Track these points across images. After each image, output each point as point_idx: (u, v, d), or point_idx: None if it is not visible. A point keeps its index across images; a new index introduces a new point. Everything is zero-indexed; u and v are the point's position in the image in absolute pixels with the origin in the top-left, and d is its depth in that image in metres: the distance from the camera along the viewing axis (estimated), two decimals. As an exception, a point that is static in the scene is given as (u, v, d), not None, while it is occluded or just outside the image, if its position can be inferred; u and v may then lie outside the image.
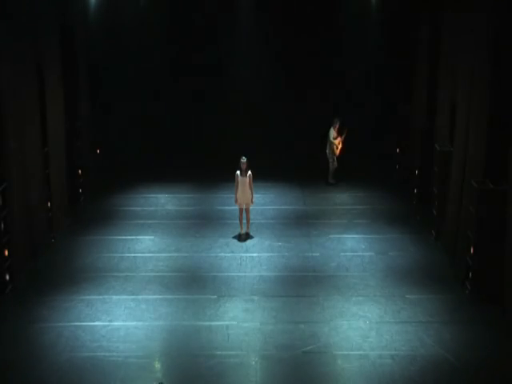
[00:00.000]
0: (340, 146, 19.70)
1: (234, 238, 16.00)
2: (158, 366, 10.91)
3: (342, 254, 15.09)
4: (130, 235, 16.17)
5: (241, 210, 16.03)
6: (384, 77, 21.30)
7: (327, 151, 19.73)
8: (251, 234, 16.14)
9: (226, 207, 18.08)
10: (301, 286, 13.57)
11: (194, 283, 13.66)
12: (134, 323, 12.06)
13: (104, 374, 10.51)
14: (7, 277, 12.99)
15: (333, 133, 19.60)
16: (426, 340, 11.45)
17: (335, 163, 19.80)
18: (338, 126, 19.51)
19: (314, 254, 15.07)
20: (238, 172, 15.81)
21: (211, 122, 21.87)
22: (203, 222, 17.09)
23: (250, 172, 15.82)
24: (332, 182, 19.75)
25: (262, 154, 21.27)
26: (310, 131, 21.74)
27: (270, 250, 15.33)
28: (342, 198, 18.92)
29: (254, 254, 15.09)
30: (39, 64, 15.02)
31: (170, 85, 21.70)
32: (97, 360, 10.87)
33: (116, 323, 12.04)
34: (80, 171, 18.24)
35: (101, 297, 13.04)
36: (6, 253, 12.94)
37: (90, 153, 19.52)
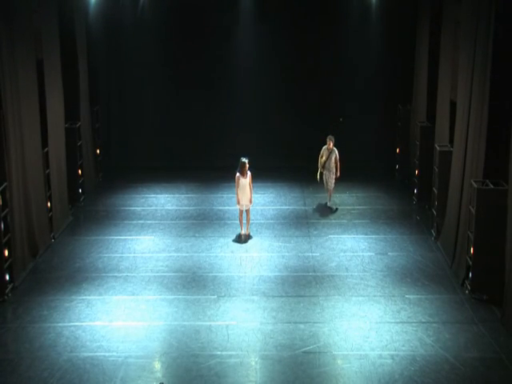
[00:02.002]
0: (321, 167, 17.86)
1: (234, 238, 16.01)
2: (157, 366, 10.91)
3: (342, 254, 15.10)
4: (130, 235, 16.18)
5: (241, 211, 16.03)
6: (384, 77, 21.30)
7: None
8: (251, 234, 16.14)
9: (226, 207, 18.10)
10: (301, 286, 13.57)
11: (193, 283, 13.66)
12: (134, 323, 12.06)
13: (104, 373, 10.51)
14: (7, 277, 12.99)
15: (324, 150, 17.81)
16: (425, 340, 11.46)
17: (328, 185, 17.92)
18: (331, 145, 17.64)
19: (313, 254, 15.08)
20: (238, 173, 15.80)
21: (211, 122, 21.85)
22: (203, 222, 17.10)
23: (249, 172, 15.81)
24: (329, 205, 18.04)
25: (262, 154, 21.30)
26: (311, 131, 21.73)
27: (269, 250, 15.33)
28: (342, 198, 18.92)
29: (254, 254, 15.10)
30: (39, 64, 15.02)
31: (170, 85, 21.67)
32: (97, 360, 10.87)
33: (116, 323, 12.04)
34: (80, 171, 18.26)
35: (101, 297, 13.04)
36: (6, 253, 12.94)
37: (91, 152, 19.53)
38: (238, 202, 15.95)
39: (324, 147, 17.88)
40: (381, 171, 21.18)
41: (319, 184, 18.24)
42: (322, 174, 17.99)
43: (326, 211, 17.86)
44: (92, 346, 11.27)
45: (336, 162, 17.77)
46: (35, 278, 13.91)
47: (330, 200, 18.11)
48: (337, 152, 17.77)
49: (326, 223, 16.99)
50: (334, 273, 14.12)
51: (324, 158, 17.83)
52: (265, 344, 11.36)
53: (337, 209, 17.89)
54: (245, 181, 15.74)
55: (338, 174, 17.84)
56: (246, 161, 15.73)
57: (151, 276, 13.99)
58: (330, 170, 17.80)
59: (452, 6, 15.96)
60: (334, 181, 17.86)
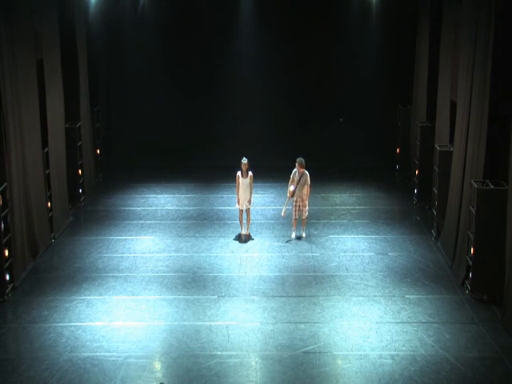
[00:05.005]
0: (290, 196, 15.89)
1: (235, 238, 16.01)
2: (158, 366, 10.91)
3: (342, 254, 15.10)
4: (130, 235, 16.18)
5: (241, 211, 16.04)
6: (384, 77, 21.31)
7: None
8: (251, 234, 16.14)
9: (226, 207, 18.10)
10: (301, 286, 13.57)
11: (194, 283, 13.66)
12: (134, 323, 12.06)
13: (104, 374, 10.51)
14: (7, 277, 12.98)
15: (294, 174, 15.85)
16: (425, 340, 11.45)
17: (303, 214, 15.97)
18: (301, 168, 15.71)
19: (314, 254, 15.08)
20: (239, 173, 15.80)
21: (212, 122, 21.86)
22: (203, 222, 17.10)
23: (250, 173, 15.81)
24: (304, 236, 16.05)
25: (263, 154, 21.31)
26: (311, 131, 21.75)
27: (270, 250, 15.33)
28: (342, 198, 18.93)
29: (255, 254, 15.10)
30: (39, 64, 15.02)
31: (170, 85, 21.67)
32: (97, 360, 10.87)
33: (116, 323, 12.04)
34: (80, 171, 18.26)
35: (101, 297, 13.04)
36: (6, 253, 12.94)
37: (91, 152, 19.53)
38: (238, 202, 15.95)
39: (294, 171, 15.82)
40: (381, 171, 21.19)
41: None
42: (295, 201, 15.89)
43: (325, 211, 17.86)
44: (92, 346, 11.27)
45: (307, 188, 15.82)
46: (35, 278, 13.91)
47: (304, 230, 16.12)
48: (308, 176, 15.79)
49: (326, 223, 16.99)
50: (334, 273, 14.12)
51: (295, 183, 15.80)
52: (265, 344, 11.36)
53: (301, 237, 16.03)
54: (244, 180, 15.74)
55: (306, 201, 15.90)
56: (246, 161, 15.72)
57: (151, 276, 13.99)
58: (302, 197, 15.86)
59: (452, 6, 15.96)
60: (307, 208, 15.98)
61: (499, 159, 12.79)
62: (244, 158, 15.77)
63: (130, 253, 15.16)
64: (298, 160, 15.84)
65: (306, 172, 15.82)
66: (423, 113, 18.47)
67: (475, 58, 13.36)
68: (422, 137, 17.78)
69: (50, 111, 15.58)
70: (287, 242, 15.76)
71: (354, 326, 11.92)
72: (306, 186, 15.85)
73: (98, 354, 11.05)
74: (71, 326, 11.89)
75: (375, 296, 13.08)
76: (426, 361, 10.85)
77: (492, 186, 12.72)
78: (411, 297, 13.04)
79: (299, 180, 15.78)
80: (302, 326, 11.97)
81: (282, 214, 16.21)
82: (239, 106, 21.79)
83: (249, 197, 15.87)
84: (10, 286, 13.10)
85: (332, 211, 17.91)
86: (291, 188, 15.87)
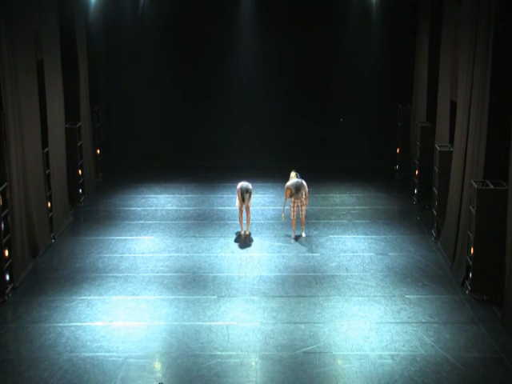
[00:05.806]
0: (287, 196, 15.91)
1: (235, 238, 16.01)
2: (158, 366, 10.90)
3: (342, 254, 15.10)
4: (130, 235, 16.18)
5: (241, 211, 16.05)
6: (384, 77, 21.31)
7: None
8: (251, 234, 16.14)
9: (226, 207, 18.10)
10: (301, 286, 13.57)
11: (194, 283, 13.67)
12: (134, 323, 12.06)
13: (104, 374, 10.51)
14: (7, 277, 12.98)
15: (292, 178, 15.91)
16: (425, 340, 11.45)
17: (301, 214, 16.07)
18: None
19: (314, 254, 15.08)
20: (239, 187, 15.68)
21: (211, 122, 21.85)
22: (203, 222, 17.10)
23: (250, 185, 15.78)
24: (303, 236, 16.17)
25: (262, 154, 21.31)
26: (311, 131, 21.75)
27: (270, 250, 15.33)
28: (342, 198, 18.93)
29: (255, 254, 15.10)
30: (39, 64, 15.02)
31: (170, 85, 21.67)
32: (97, 360, 10.87)
33: (116, 323, 12.04)
34: (80, 171, 18.26)
35: (101, 297, 13.04)
36: (6, 253, 12.94)
37: (91, 152, 19.52)
38: (240, 204, 15.95)
39: (291, 178, 15.93)
40: (381, 171, 21.19)
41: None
42: (293, 201, 15.91)
43: (325, 211, 17.87)
44: (92, 346, 11.27)
45: (305, 193, 15.90)
46: (35, 278, 13.91)
47: (303, 230, 16.20)
48: (305, 184, 15.88)
49: (326, 223, 16.99)
50: (334, 273, 14.12)
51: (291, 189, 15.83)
52: (265, 344, 11.36)
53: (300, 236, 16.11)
54: (245, 197, 15.71)
55: (307, 201, 16.08)
56: (249, 188, 15.67)
57: (151, 276, 13.99)
58: (300, 199, 15.90)
59: (452, 5, 15.96)
60: (306, 207, 16.10)
61: (499, 159, 12.78)
62: (248, 187, 15.68)
63: (130, 253, 15.17)
64: (293, 173, 15.93)
65: (304, 182, 15.82)
66: (423, 113, 18.46)
67: (475, 58, 13.36)
68: (422, 137, 17.78)
69: (50, 111, 15.58)
70: (287, 241, 15.76)
71: (354, 326, 11.92)
72: (303, 192, 15.87)
73: (98, 354, 11.05)
74: (71, 326, 11.90)
75: (375, 296, 13.08)
76: (426, 361, 10.85)
77: (492, 186, 12.72)
78: (411, 297, 13.04)
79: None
80: (302, 326, 11.97)
81: (282, 219, 16.22)
82: (239, 105, 21.79)
83: (247, 203, 15.88)
84: (10, 286, 13.10)
85: (332, 211, 17.91)
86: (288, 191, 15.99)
